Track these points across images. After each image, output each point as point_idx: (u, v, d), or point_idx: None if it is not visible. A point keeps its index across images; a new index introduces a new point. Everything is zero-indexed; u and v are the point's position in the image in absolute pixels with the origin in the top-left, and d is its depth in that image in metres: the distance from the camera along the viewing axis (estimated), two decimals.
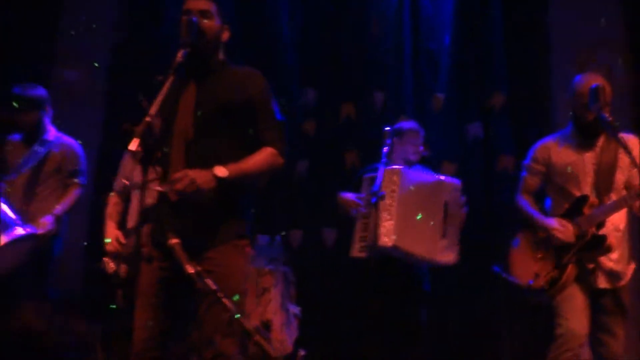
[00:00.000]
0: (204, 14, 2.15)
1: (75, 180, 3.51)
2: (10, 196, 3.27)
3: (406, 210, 3.01)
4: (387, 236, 2.95)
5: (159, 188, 2.06)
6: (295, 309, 3.71)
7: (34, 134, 3.48)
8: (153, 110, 1.91)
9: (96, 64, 4.46)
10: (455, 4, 4.32)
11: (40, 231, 3.26)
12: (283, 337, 3.52)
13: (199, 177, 1.99)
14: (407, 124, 3.41)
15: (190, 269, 1.80)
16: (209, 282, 1.80)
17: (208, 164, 2.02)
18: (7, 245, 3.02)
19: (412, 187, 3.06)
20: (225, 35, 2.23)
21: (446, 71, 4.25)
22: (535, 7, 4.24)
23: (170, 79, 1.97)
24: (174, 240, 1.89)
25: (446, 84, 4.23)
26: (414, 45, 4.30)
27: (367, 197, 3.10)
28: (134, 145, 1.83)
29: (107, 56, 4.50)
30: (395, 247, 2.95)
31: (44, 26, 4.49)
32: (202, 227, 2.06)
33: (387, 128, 3.29)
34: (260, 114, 2.15)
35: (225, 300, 1.79)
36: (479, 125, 4.19)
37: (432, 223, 3.02)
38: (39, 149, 3.46)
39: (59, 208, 3.41)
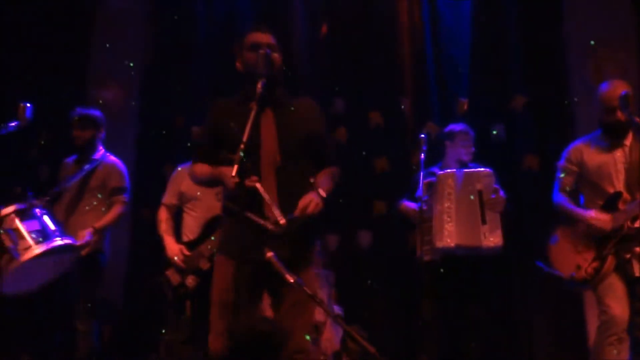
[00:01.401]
0: (271, 47, 2.42)
1: (120, 197, 3.75)
2: (54, 208, 3.48)
3: (461, 209, 3.40)
4: (450, 237, 3.34)
5: (280, 220, 2.23)
6: (338, 309, 3.98)
7: (87, 152, 3.74)
8: (245, 138, 2.15)
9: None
10: (473, 11, 4.59)
11: (78, 243, 3.47)
12: (331, 336, 3.79)
13: (318, 198, 2.28)
14: (458, 126, 3.72)
15: (291, 279, 2.03)
16: (307, 289, 2.05)
17: (295, 188, 2.31)
18: (44, 253, 3.17)
19: (459, 187, 3.43)
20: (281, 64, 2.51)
21: (468, 76, 4.51)
22: (550, 10, 4.51)
23: (255, 109, 2.22)
24: (270, 253, 2.11)
25: (468, 88, 4.49)
26: (436, 52, 4.57)
27: (428, 202, 3.42)
28: (233, 171, 2.09)
29: (139, 75, 4.73)
30: (458, 246, 3.35)
31: (76, 47, 4.72)
32: (295, 250, 2.31)
33: (422, 135, 3.59)
34: (325, 139, 2.53)
35: (322, 306, 2.05)
36: (502, 127, 4.46)
37: (455, 213, 3.38)
38: (86, 166, 3.71)
39: (100, 223, 3.63)
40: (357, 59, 4.62)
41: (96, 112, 3.80)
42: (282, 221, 2.23)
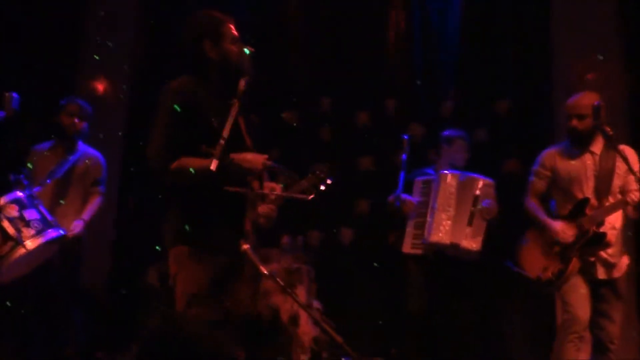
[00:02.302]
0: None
1: (98, 188, 3.90)
2: (41, 200, 3.53)
3: (458, 211, 3.64)
4: (447, 234, 3.59)
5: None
6: (317, 304, 4.15)
7: (71, 142, 3.86)
8: (226, 133, 2.20)
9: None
10: (462, 16, 4.76)
11: (71, 233, 3.63)
12: (309, 329, 3.96)
13: None
14: (457, 132, 3.91)
15: (265, 270, 2.13)
16: (279, 280, 2.19)
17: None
18: (47, 242, 3.31)
19: (459, 188, 3.68)
20: None
21: (454, 79, 4.69)
22: (537, 18, 4.68)
23: (237, 105, 2.28)
24: (246, 246, 2.18)
25: (454, 91, 4.67)
26: (424, 56, 4.75)
27: (425, 202, 3.67)
28: (214, 165, 2.13)
29: (128, 69, 4.87)
30: (452, 243, 3.58)
31: (67, 40, 4.85)
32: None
33: (405, 136, 3.77)
34: None
35: (293, 297, 2.19)
36: (485, 130, 4.65)
37: (452, 212, 3.61)
38: (71, 157, 3.84)
39: (87, 214, 3.78)
40: (345, 59, 4.78)
41: (87, 104, 3.93)
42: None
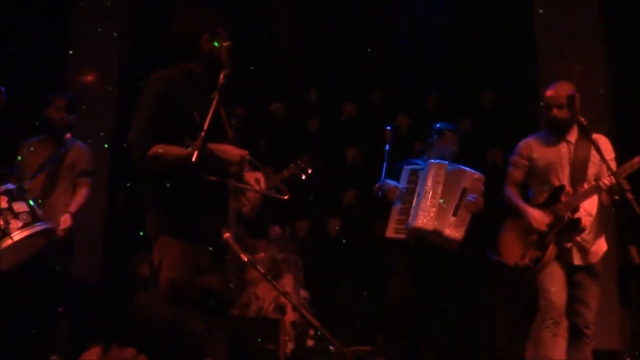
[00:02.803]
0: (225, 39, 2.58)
1: (85, 179, 3.92)
2: (31, 192, 3.59)
3: (443, 200, 3.69)
4: (431, 220, 3.64)
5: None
6: (304, 293, 4.24)
7: (60, 135, 3.92)
8: (206, 126, 2.26)
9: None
10: (446, 7, 4.84)
11: (61, 227, 3.67)
12: (296, 318, 4.06)
13: None
14: (449, 126, 3.98)
15: (245, 258, 2.21)
16: (259, 267, 2.28)
17: None
18: (34, 234, 3.36)
19: (447, 178, 3.74)
20: None
21: (439, 71, 4.77)
22: (521, 9, 4.76)
23: (217, 98, 2.35)
24: (227, 234, 2.27)
25: (439, 82, 4.76)
26: (409, 47, 4.83)
27: (412, 189, 3.75)
28: (194, 156, 2.19)
29: (116, 61, 4.93)
30: (435, 230, 3.64)
31: (55, 33, 4.91)
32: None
33: (388, 127, 3.85)
34: None
35: (273, 283, 2.28)
36: (469, 121, 4.73)
37: (442, 201, 3.68)
38: (60, 150, 3.90)
39: (74, 206, 3.81)
40: (332, 51, 4.85)
41: (76, 98, 3.98)
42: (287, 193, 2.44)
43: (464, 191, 3.71)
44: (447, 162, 3.80)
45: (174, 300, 2.32)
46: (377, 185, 3.84)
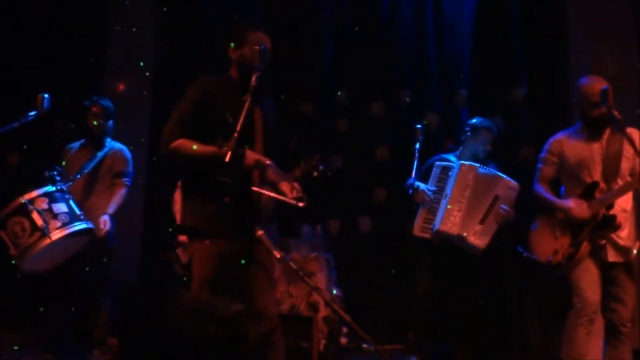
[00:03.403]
0: (267, 45, 2.67)
1: (122, 180, 4.06)
2: (72, 194, 3.73)
3: (471, 204, 3.56)
4: (455, 225, 3.53)
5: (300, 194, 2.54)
6: (338, 291, 4.29)
7: (99, 140, 4.07)
8: (238, 127, 2.37)
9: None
10: (475, 4, 4.81)
11: (100, 227, 3.81)
12: (328, 314, 4.10)
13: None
14: (484, 122, 3.82)
15: (277, 254, 2.28)
16: (292, 264, 2.33)
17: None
18: (72, 234, 3.51)
19: (478, 182, 3.59)
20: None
21: (468, 68, 4.75)
22: (552, 3, 4.71)
23: (249, 100, 2.46)
24: (260, 232, 2.36)
25: (468, 80, 4.73)
26: (438, 46, 4.82)
27: (441, 187, 3.65)
28: (227, 157, 2.31)
29: (152, 67, 5.06)
30: (459, 235, 3.54)
31: (92, 39, 5.06)
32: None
33: (418, 126, 3.83)
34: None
35: (305, 279, 2.32)
36: (500, 118, 4.69)
37: (465, 204, 3.55)
38: (99, 153, 4.05)
39: (112, 207, 3.95)
40: (361, 51, 4.87)
41: (109, 102, 4.13)
42: (300, 195, 2.50)
43: (496, 199, 3.53)
44: (478, 165, 3.64)
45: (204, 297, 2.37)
46: (407, 184, 3.80)
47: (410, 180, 3.72)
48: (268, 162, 2.53)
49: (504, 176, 3.63)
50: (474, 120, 3.84)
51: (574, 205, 3.16)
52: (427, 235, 3.67)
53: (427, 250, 3.74)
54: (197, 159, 2.47)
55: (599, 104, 3.11)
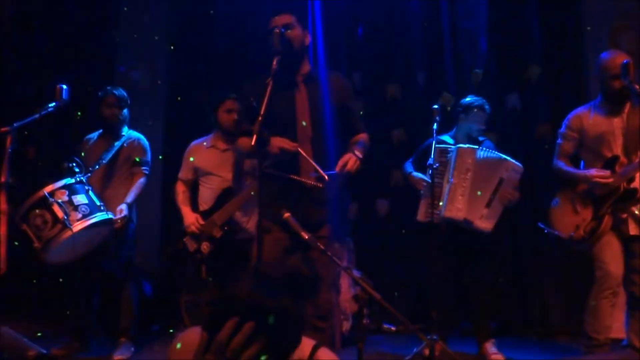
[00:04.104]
0: (286, 26, 2.76)
1: (141, 169, 4.10)
2: (91, 184, 3.79)
3: (474, 187, 3.59)
4: (460, 210, 3.58)
5: (325, 176, 2.66)
6: (357, 274, 4.35)
7: (118, 129, 4.12)
8: (262, 111, 2.45)
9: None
10: None
11: (117, 217, 3.83)
12: (350, 297, 4.18)
13: (357, 158, 2.71)
14: (475, 101, 3.84)
15: (305, 235, 2.33)
16: (320, 244, 2.36)
17: (328, 156, 2.70)
18: (92, 225, 3.55)
19: (483, 164, 3.61)
20: (307, 40, 2.87)
21: (484, 47, 4.75)
22: None
23: (271, 84, 2.53)
24: (287, 214, 2.43)
25: (484, 59, 4.74)
26: (452, 26, 4.83)
27: (442, 171, 3.67)
28: (253, 141, 2.38)
29: (166, 55, 5.10)
30: (465, 220, 3.59)
31: (104, 28, 5.11)
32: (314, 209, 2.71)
33: (435, 106, 3.85)
34: (354, 110, 2.94)
35: (335, 259, 2.39)
36: (517, 96, 4.72)
37: (479, 193, 3.58)
38: (116, 143, 4.10)
39: (130, 196, 3.98)
40: (375, 34, 4.89)
41: (123, 91, 4.15)
42: (326, 177, 2.62)
43: (500, 182, 3.56)
44: (476, 147, 3.66)
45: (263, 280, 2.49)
46: (404, 172, 3.95)
47: (408, 169, 3.87)
48: (292, 148, 2.64)
49: (508, 158, 3.65)
50: (466, 100, 3.86)
51: (597, 174, 3.20)
52: (433, 220, 3.67)
53: (436, 233, 3.74)
54: (247, 152, 2.83)
55: (620, 77, 3.14)
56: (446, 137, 3.91)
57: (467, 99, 3.89)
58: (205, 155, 4.00)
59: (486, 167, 3.62)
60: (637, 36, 4.45)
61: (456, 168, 3.60)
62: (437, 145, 3.72)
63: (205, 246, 3.75)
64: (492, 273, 3.92)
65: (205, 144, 4.04)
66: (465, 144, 3.75)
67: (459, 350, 3.80)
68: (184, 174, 4.06)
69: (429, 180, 3.62)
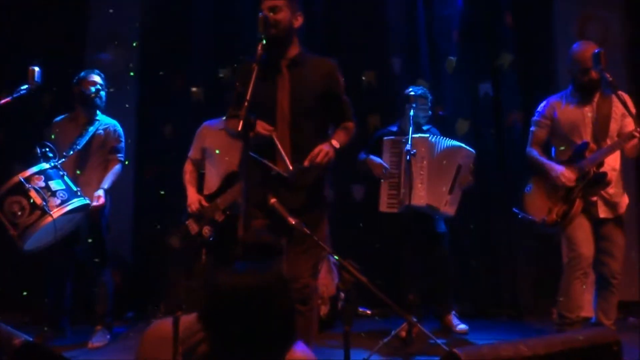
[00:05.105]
0: (272, 9, 2.77)
1: (116, 156, 4.10)
2: (65, 170, 3.74)
3: (432, 174, 3.83)
4: (422, 197, 3.80)
5: (290, 167, 2.67)
6: (333, 259, 4.43)
7: (92, 112, 4.07)
8: (248, 96, 2.45)
9: (135, 44, 4.98)
10: None
11: (95, 203, 3.83)
12: (328, 281, 4.26)
13: (330, 149, 2.69)
14: (417, 90, 4.09)
15: (292, 220, 2.38)
16: (306, 229, 2.39)
17: (307, 143, 2.69)
18: (71, 211, 3.55)
19: (437, 153, 3.86)
20: (297, 23, 2.85)
21: (458, 35, 4.87)
22: None
23: (256, 69, 2.52)
24: (273, 200, 2.47)
25: (458, 46, 4.87)
26: (427, 13, 4.93)
27: (396, 161, 3.90)
28: (239, 126, 2.39)
29: (138, 37, 5.05)
30: (428, 206, 3.83)
31: (76, 8, 5.02)
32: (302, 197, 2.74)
33: (411, 92, 3.99)
34: (341, 97, 2.90)
35: (320, 242, 2.44)
36: (489, 84, 4.87)
37: (425, 176, 3.83)
38: (90, 128, 4.06)
39: (107, 182, 3.99)
40: (350, 20, 4.95)
41: (101, 75, 4.15)
42: (291, 167, 2.63)
43: (459, 168, 3.86)
44: (427, 135, 3.91)
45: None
46: (361, 159, 4.08)
47: (362, 156, 4.03)
48: (266, 132, 2.67)
49: (461, 145, 3.93)
50: (408, 90, 4.07)
51: (563, 172, 3.38)
52: (395, 210, 3.91)
53: (397, 222, 3.96)
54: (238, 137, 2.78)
55: (591, 69, 3.29)
56: (394, 129, 4.14)
57: (409, 89, 4.11)
58: (215, 136, 4.00)
59: (441, 155, 3.87)
60: (604, 25, 4.63)
61: (412, 157, 3.71)
62: (387, 138, 3.95)
63: (206, 229, 3.78)
64: (456, 253, 4.23)
65: (217, 125, 4.03)
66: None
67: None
68: (194, 153, 4.07)
69: (387, 167, 3.87)
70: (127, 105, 4.84)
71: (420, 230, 4.00)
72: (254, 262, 1.46)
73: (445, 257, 4.17)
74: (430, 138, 3.89)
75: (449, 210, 3.88)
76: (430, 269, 4.19)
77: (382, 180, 3.98)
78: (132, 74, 5.01)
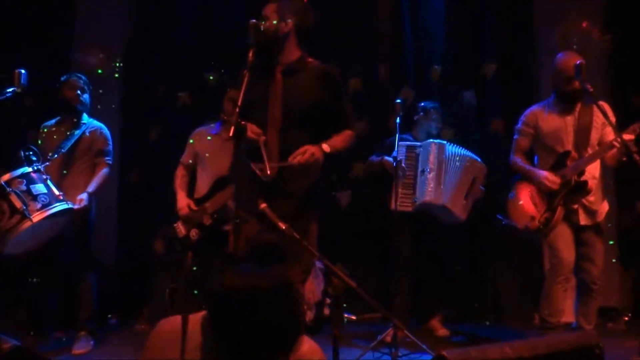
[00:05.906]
0: (265, 17, 2.80)
1: (103, 159, 4.11)
2: (49, 173, 3.74)
3: (450, 178, 4.05)
4: (438, 197, 3.99)
5: (274, 164, 2.69)
6: (320, 264, 4.48)
7: (76, 114, 4.07)
8: (240, 102, 2.49)
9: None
10: None
11: (77, 206, 3.82)
12: (313, 287, 4.30)
13: (316, 150, 2.68)
14: (432, 104, 4.37)
15: (282, 225, 2.37)
16: (296, 234, 2.42)
17: (296, 149, 2.68)
18: (52, 215, 3.53)
19: (455, 158, 4.10)
20: (286, 29, 2.84)
21: (442, 43, 4.98)
22: None
23: (247, 75, 2.55)
24: (263, 205, 2.45)
25: (442, 55, 4.98)
26: (412, 21, 5.02)
27: (412, 165, 4.11)
28: (231, 132, 2.44)
29: (123, 42, 5.06)
30: (443, 206, 4.01)
31: (60, 14, 5.01)
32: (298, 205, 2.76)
33: (398, 100, 4.10)
34: (341, 105, 2.89)
35: (310, 248, 2.47)
36: (473, 92, 4.98)
37: (442, 177, 4.04)
38: (76, 131, 4.07)
39: (92, 186, 3.99)
40: (336, 27, 5.01)
41: (85, 77, 4.17)
42: (269, 171, 2.63)
43: (474, 180, 4.11)
44: (445, 142, 4.16)
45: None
46: (376, 160, 4.23)
47: (374, 158, 4.22)
48: (254, 137, 2.69)
49: (476, 157, 4.17)
50: (423, 103, 4.39)
51: (547, 176, 3.49)
52: (408, 209, 4.07)
53: (407, 221, 4.14)
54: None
55: (573, 79, 3.39)
56: (409, 137, 4.33)
57: (424, 102, 4.42)
58: (207, 141, 4.06)
59: (458, 163, 4.10)
60: (586, 35, 4.76)
61: (430, 160, 4.04)
62: (403, 143, 4.11)
63: (194, 233, 3.82)
64: (450, 262, 4.40)
65: (209, 130, 4.09)
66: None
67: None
68: (186, 158, 4.13)
69: (405, 167, 4.06)
70: (113, 106, 4.85)
71: (425, 232, 4.21)
72: (259, 264, 1.48)
73: (440, 265, 4.36)
74: (447, 145, 4.14)
75: (462, 214, 4.06)
76: (421, 274, 4.31)
77: (395, 180, 4.04)
78: (117, 75, 5.02)
